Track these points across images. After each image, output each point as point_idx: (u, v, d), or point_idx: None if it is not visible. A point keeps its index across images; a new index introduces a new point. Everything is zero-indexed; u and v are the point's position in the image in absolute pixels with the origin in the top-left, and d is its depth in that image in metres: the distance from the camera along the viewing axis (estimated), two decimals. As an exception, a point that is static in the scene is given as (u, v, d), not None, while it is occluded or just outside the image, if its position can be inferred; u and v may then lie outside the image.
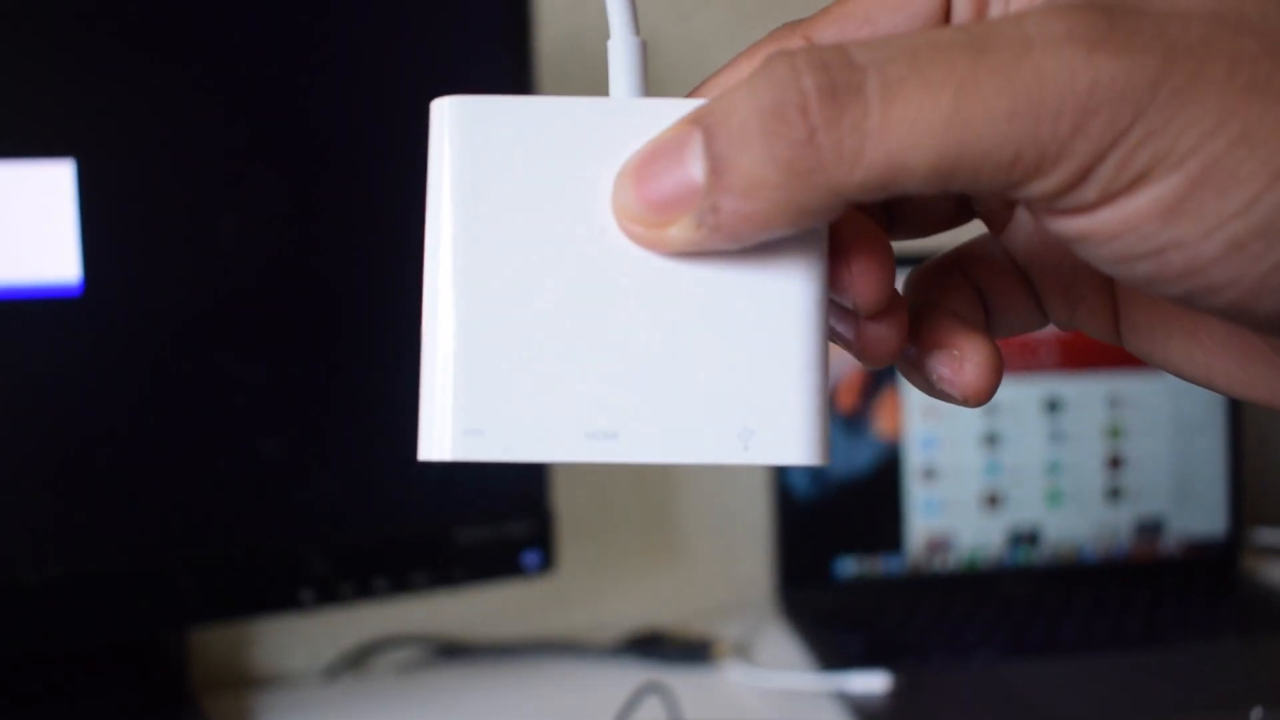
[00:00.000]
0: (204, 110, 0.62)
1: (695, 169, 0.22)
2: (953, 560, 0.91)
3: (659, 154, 0.23)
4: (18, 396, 0.59)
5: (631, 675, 0.77)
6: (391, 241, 0.67)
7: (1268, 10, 0.22)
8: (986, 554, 0.91)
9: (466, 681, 0.80)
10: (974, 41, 0.21)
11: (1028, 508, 0.92)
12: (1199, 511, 0.94)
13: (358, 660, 0.83)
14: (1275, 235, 0.21)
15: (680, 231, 0.23)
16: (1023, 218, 0.29)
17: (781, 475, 0.89)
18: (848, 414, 0.90)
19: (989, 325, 0.30)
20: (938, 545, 0.91)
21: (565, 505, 0.84)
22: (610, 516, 0.92)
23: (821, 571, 0.90)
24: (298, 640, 0.83)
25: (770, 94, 0.21)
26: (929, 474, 0.91)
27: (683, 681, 0.76)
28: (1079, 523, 0.92)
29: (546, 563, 0.72)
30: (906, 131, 0.21)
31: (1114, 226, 0.22)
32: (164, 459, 0.62)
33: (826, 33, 0.26)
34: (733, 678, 0.79)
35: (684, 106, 0.24)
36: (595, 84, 0.91)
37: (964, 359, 0.27)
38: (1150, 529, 0.93)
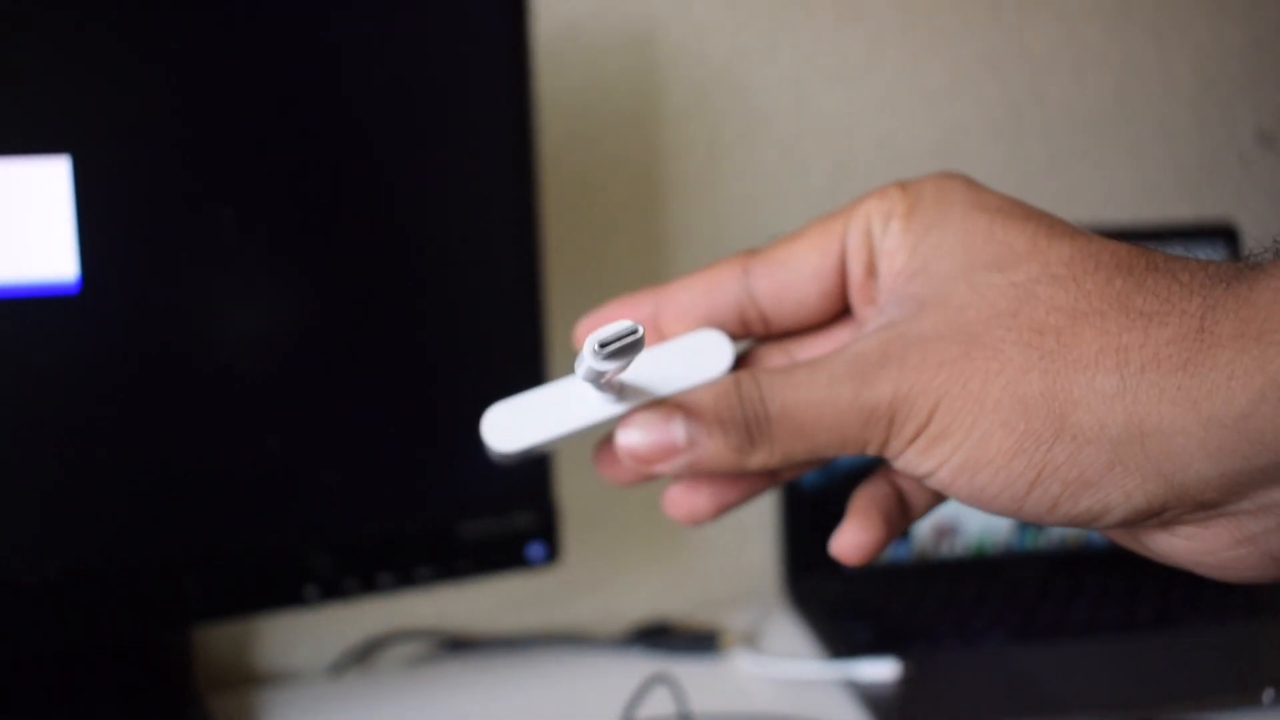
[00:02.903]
0: (199, 105, 0.61)
1: (679, 436, 0.37)
2: (960, 546, 0.91)
3: (658, 421, 0.37)
4: (16, 395, 0.59)
5: (639, 666, 0.77)
6: (393, 234, 0.66)
7: (1000, 312, 0.34)
8: (994, 539, 0.91)
9: (473, 675, 0.79)
10: (812, 374, 0.36)
11: (1035, 492, 0.91)
12: (1207, 493, 0.93)
13: (363, 656, 0.82)
14: (972, 470, 0.34)
15: (663, 466, 0.38)
16: None
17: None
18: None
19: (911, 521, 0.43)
20: (945, 531, 0.91)
21: (570, 497, 0.84)
22: (615, 507, 0.92)
23: (829, 560, 0.89)
24: (303, 637, 0.83)
25: (728, 409, 0.37)
26: (935, 460, 0.90)
27: (691, 672, 0.76)
28: (1086, 507, 0.92)
29: (552, 555, 0.72)
30: (788, 438, 0.37)
31: (906, 465, 0.36)
32: (165, 456, 0.62)
33: (758, 270, 0.40)
34: (741, 667, 0.79)
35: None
36: (592, 76, 0.91)
37: (843, 530, 0.41)
38: (1158, 512, 0.93)
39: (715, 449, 0.37)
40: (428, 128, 0.67)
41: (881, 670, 0.74)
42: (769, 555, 0.93)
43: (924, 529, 0.90)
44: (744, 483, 0.41)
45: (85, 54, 0.59)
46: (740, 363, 0.40)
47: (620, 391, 0.37)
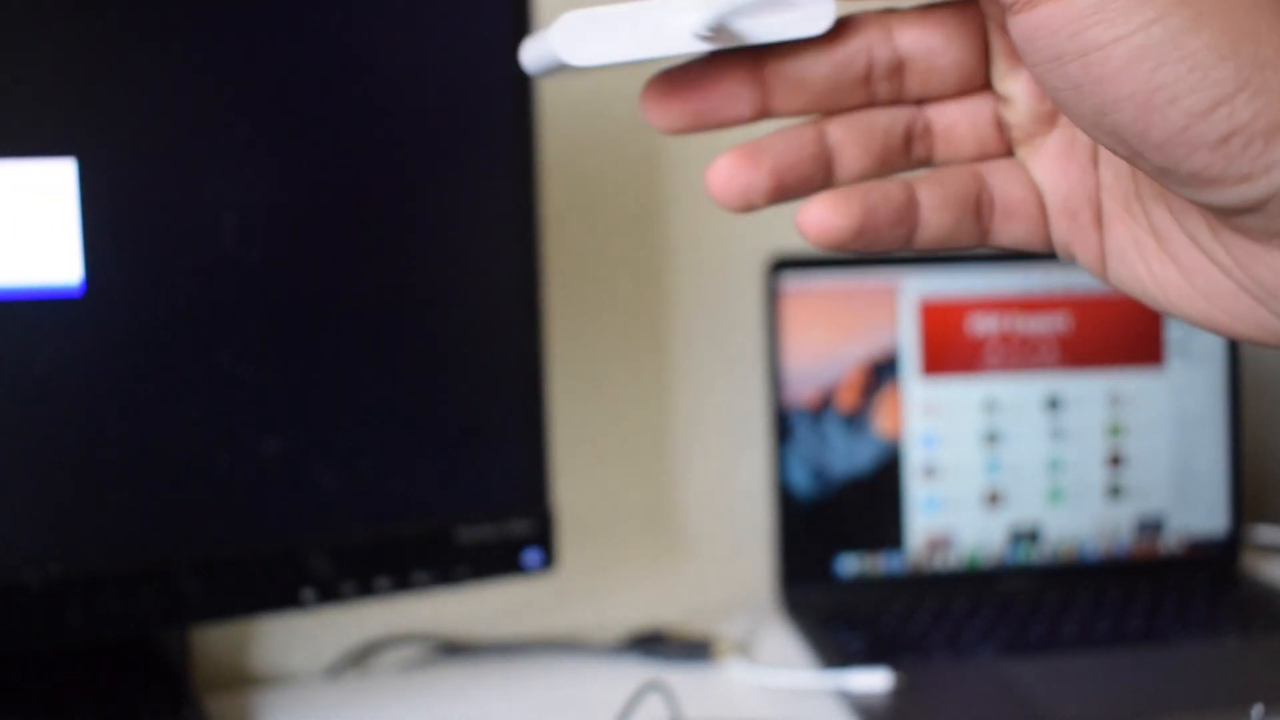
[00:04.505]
0: (206, 108, 0.62)
1: None
2: (953, 558, 0.91)
3: None
4: (19, 397, 0.59)
5: (633, 674, 0.77)
6: (394, 239, 0.67)
7: None
8: (987, 552, 0.91)
9: (468, 680, 0.80)
10: None
11: (1028, 506, 0.92)
12: (1200, 509, 0.94)
13: (359, 659, 0.83)
14: (1163, 57, 0.27)
15: None
16: (1052, 139, 0.36)
17: (783, 474, 0.89)
18: (848, 413, 0.90)
19: (992, 234, 0.36)
20: (938, 543, 0.91)
21: (566, 504, 0.84)
22: (611, 515, 0.92)
23: (822, 570, 0.90)
24: (299, 639, 0.83)
25: None
26: (929, 472, 0.91)
27: (684, 680, 0.76)
28: (1080, 521, 0.92)
29: (548, 561, 0.72)
30: None
31: (1053, 23, 0.28)
32: (165, 458, 0.62)
33: None
34: (734, 676, 0.79)
35: None
36: (594, 83, 0.92)
37: (819, 200, 0.34)
38: (1151, 527, 0.93)
39: None
40: (430, 134, 0.67)
41: (873, 681, 0.74)
42: (763, 565, 0.94)
43: (918, 541, 0.90)
44: (808, 153, 0.36)
45: (92, 56, 0.59)
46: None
47: (714, 32, 0.34)
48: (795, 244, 0.92)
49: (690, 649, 0.81)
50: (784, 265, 0.89)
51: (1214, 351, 0.93)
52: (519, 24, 0.68)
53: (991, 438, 0.91)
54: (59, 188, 0.59)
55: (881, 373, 0.90)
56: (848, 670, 0.75)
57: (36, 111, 0.58)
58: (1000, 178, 0.36)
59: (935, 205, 0.35)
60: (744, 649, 0.83)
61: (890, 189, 0.35)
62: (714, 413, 0.95)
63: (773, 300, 0.89)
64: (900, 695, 0.73)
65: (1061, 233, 0.36)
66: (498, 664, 0.82)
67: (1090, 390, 0.92)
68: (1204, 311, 0.34)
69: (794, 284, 0.89)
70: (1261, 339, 0.34)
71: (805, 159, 0.35)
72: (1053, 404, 0.92)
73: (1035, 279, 0.91)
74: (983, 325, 0.91)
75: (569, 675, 0.80)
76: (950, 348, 0.91)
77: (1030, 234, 0.37)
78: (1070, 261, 0.37)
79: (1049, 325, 0.91)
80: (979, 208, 0.36)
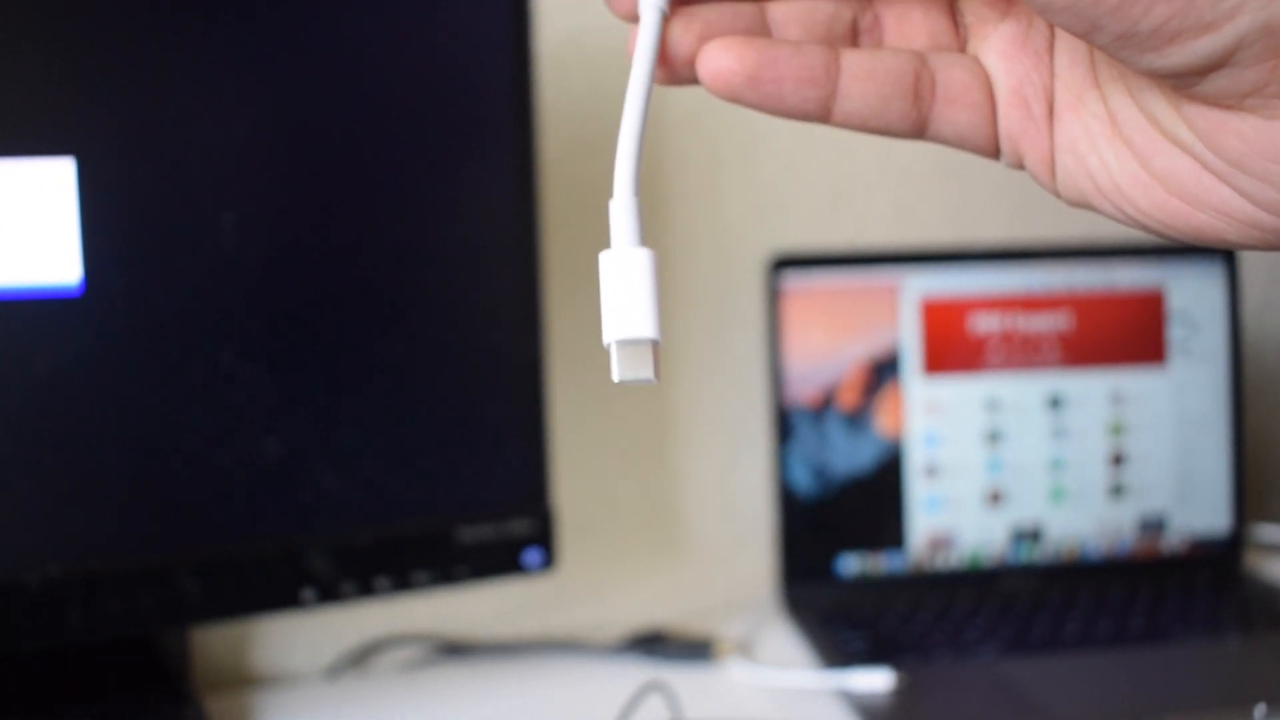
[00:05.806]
0: (205, 107, 0.62)
1: None
2: (955, 558, 0.91)
3: None
4: (18, 396, 0.59)
5: (633, 674, 0.77)
6: (394, 239, 0.67)
7: None
8: (989, 551, 0.91)
9: (468, 680, 0.80)
10: None
11: (1030, 505, 0.92)
12: (1202, 508, 0.94)
13: (359, 659, 0.83)
14: None
15: None
16: (1006, 26, 0.35)
17: (784, 474, 0.89)
18: (849, 412, 0.90)
19: (931, 122, 0.34)
20: (940, 543, 0.91)
21: (567, 503, 0.84)
22: (612, 515, 0.92)
23: (824, 569, 0.90)
24: (299, 639, 0.83)
25: None
26: (931, 471, 0.91)
27: (685, 680, 0.76)
28: (1081, 520, 0.92)
29: (548, 561, 0.72)
30: None
31: None
32: (165, 458, 0.62)
33: None
34: (735, 676, 0.79)
35: None
36: (595, 83, 0.92)
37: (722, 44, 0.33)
38: (1153, 526, 0.93)
39: None
40: (431, 134, 0.67)
41: (875, 680, 0.74)
42: (764, 564, 0.94)
43: (919, 541, 0.90)
44: (743, 26, 0.34)
45: (92, 56, 0.59)
46: None
47: None
48: (796, 243, 0.92)
49: (691, 649, 0.81)
50: (785, 264, 0.88)
51: (1216, 350, 0.93)
52: (519, 24, 0.68)
53: (993, 437, 0.91)
54: (58, 187, 0.59)
55: (883, 371, 0.90)
56: (849, 670, 0.75)
57: (36, 111, 0.58)
58: (946, 61, 0.35)
59: (860, 74, 0.34)
60: (745, 649, 0.83)
61: (806, 46, 0.33)
62: (714, 412, 0.94)
63: (773, 299, 0.89)
64: (901, 695, 0.73)
65: (1011, 125, 0.35)
66: (498, 664, 0.82)
67: (1092, 389, 0.92)
68: (1160, 202, 0.33)
69: (795, 282, 0.89)
70: (1216, 232, 0.32)
71: (740, 31, 0.34)
72: (1054, 403, 0.92)
73: (1037, 277, 0.91)
74: (984, 324, 0.91)
75: (569, 675, 0.80)
76: (952, 346, 0.91)
77: (974, 125, 0.35)
78: (1015, 166, 0.35)
79: (1050, 324, 0.91)
80: (916, 88, 0.34)
